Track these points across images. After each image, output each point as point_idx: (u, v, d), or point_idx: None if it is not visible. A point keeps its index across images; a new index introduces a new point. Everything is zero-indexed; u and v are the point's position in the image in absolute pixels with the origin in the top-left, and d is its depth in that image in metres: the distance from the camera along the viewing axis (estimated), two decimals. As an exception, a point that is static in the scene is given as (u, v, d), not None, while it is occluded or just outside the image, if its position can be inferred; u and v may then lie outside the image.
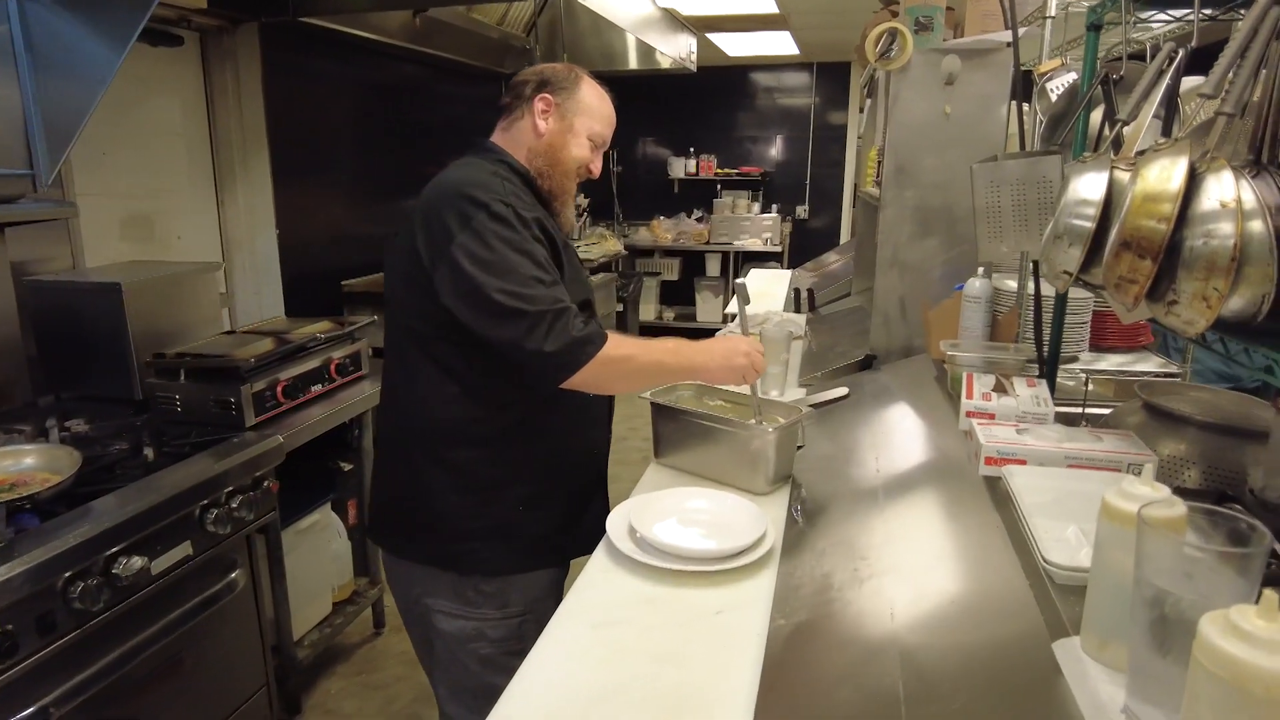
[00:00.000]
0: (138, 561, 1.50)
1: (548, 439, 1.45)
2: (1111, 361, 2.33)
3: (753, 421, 1.53)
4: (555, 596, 1.51)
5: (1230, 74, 0.92)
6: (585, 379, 1.31)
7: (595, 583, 1.21)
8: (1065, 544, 0.95)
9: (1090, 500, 1.10)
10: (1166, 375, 2.22)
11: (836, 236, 6.90)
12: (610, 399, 1.58)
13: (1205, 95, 0.93)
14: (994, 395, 1.45)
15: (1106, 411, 2.35)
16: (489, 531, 1.42)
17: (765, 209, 6.84)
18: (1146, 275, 0.91)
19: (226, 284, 3.32)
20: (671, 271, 6.98)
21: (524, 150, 1.47)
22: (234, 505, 1.80)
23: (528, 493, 1.43)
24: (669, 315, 6.98)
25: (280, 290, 3.31)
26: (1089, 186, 1.13)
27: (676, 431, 1.63)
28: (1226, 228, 0.86)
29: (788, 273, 4.78)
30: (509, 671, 1.43)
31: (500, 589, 1.43)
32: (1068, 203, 1.16)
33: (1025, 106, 1.78)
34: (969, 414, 1.42)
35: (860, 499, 1.39)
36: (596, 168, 1.51)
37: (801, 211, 6.96)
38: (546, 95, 1.46)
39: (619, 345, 1.34)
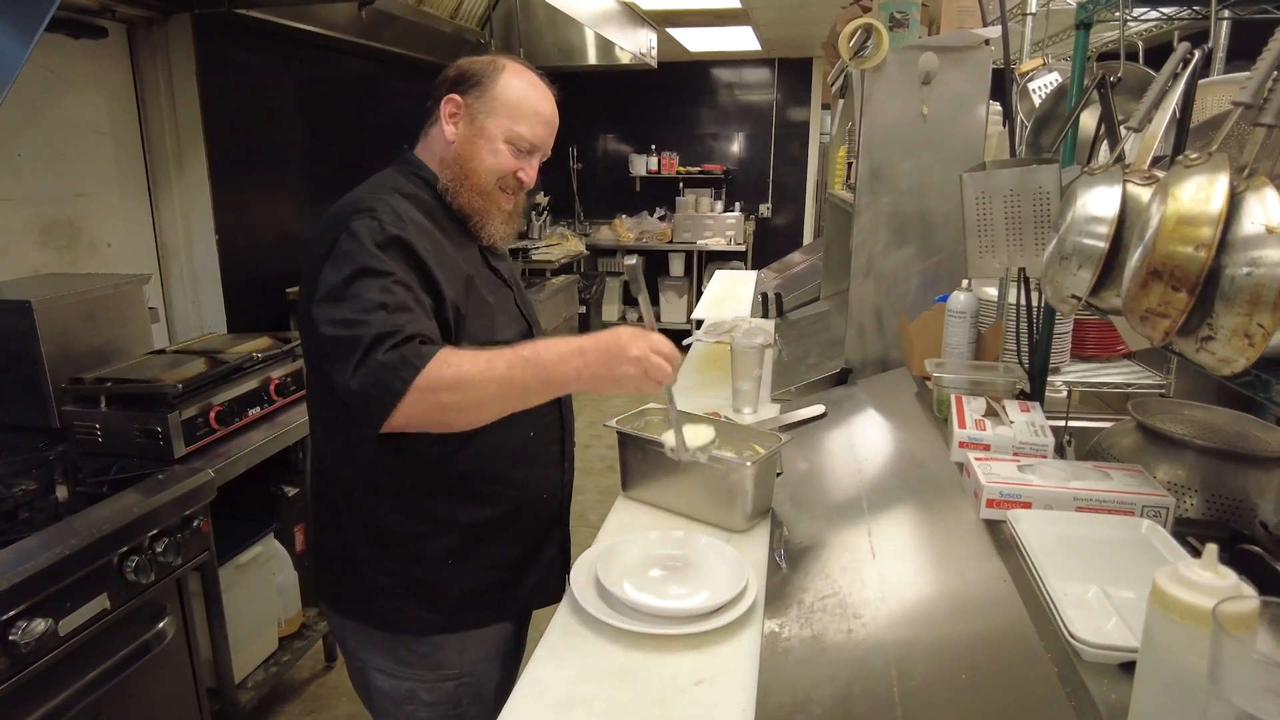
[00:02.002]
0: (40, 624, 1.33)
1: (475, 487, 1.26)
2: (1091, 371, 2.27)
3: (670, 448, 1.29)
4: (500, 656, 1.35)
5: (1270, 80, 0.82)
6: (411, 416, 1.04)
7: (556, 651, 1.08)
8: (1088, 611, 0.85)
9: (1106, 550, 1.00)
10: (1150, 387, 2.15)
11: (800, 235, 6.83)
12: (562, 434, 1.39)
13: (1242, 104, 0.83)
14: (987, 422, 1.34)
15: (1089, 425, 2.27)
16: (412, 589, 1.25)
17: (728, 207, 6.74)
18: (1181, 309, 0.80)
19: (163, 294, 3.11)
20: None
21: (436, 160, 1.28)
22: (159, 550, 1.63)
23: (454, 546, 1.25)
24: (632, 317, 6.84)
25: (221, 300, 3.11)
26: (1100, 202, 1.03)
27: (645, 463, 1.50)
28: (1274, 255, 0.75)
29: (753, 274, 4.68)
30: (446, 738, 1.30)
31: (432, 649, 1.28)
32: (1076, 220, 1.06)
33: (1010, 109, 1.68)
34: (963, 445, 1.31)
35: (848, 540, 1.27)
36: (528, 176, 1.28)
37: (765, 210, 6.87)
38: (455, 95, 1.25)
39: (446, 363, 1.03)
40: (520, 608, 1.35)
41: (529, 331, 1.33)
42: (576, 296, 5.36)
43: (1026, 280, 1.49)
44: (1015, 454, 1.28)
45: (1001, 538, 1.09)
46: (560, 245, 5.56)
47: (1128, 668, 0.75)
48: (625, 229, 6.63)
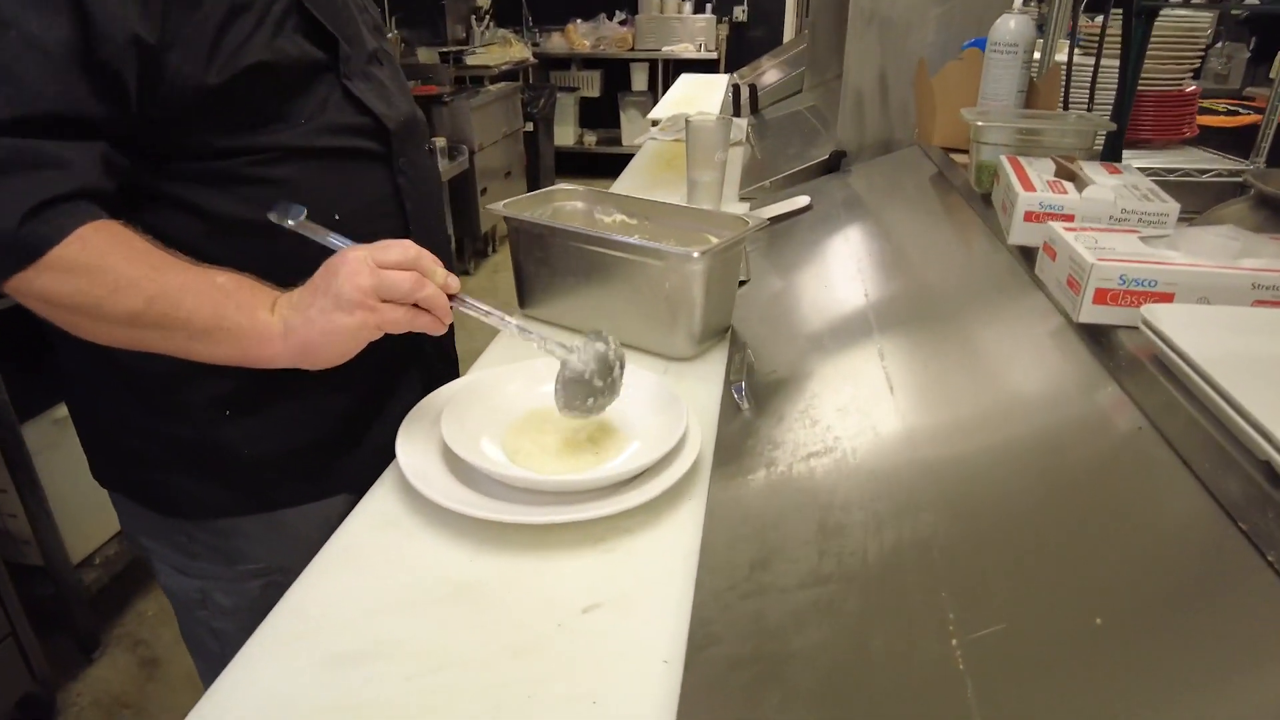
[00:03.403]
0: None
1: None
2: (1151, 158, 1.78)
3: (662, 249, 0.92)
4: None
5: None
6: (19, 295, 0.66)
7: (353, 557, 0.63)
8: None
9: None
10: (1231, 173, 1.68)
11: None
12: (404, 218, 0.88)
13: None
14: (1067, 185, 0.87)
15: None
16: (181, 454, 0.82)
17: (698, 8, 5.89)
18: None
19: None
20: (591, 87, 6.06)
21: None
22: None
23: (230, 392, 0.80)
24: (590, 139, 6.13)
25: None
26: None
27: (548, 266, 1.02)
28: None
29: (724, 77, 4.04)
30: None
31: (221, 537, 0.87)
32: None
33: None
34: (1032, 216, 0.84)
35: (846, 366, 0.82)
36: None
37: (739, 13, 6.03)
38: None
39: (66, 266, 0.64)
40: (360, 477, 0.89)
41: (331, 56, 0.78)
42: (520, 110, 4.67)
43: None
44: (1112, 227, 0.81)
45: (1119, 354, 0.63)
46: (501, 49, 4.81)
47: None
48: (580, 35, 5.80)
